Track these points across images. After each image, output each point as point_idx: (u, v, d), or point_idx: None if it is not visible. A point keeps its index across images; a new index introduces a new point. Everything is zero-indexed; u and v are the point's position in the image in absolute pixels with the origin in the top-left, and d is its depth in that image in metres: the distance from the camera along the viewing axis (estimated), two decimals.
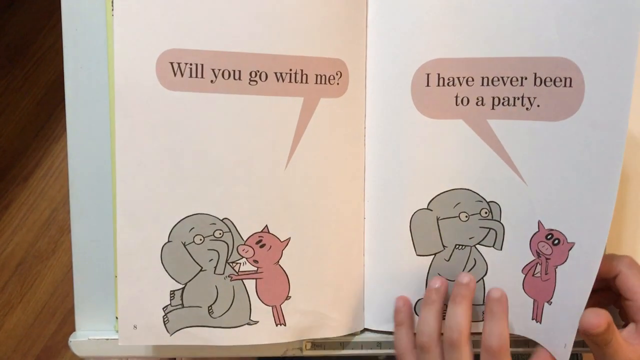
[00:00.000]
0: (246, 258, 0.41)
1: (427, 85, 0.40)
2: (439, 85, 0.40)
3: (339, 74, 0.40)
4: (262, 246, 0.41)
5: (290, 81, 0.40)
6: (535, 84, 0.39)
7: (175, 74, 0.38)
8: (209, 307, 0.41)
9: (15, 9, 1.18)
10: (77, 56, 0.42)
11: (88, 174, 0.43)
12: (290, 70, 0.39)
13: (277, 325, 0.42)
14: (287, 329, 0.42)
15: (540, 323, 0.40)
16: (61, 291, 1.16)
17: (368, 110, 0.42)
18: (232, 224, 0.40)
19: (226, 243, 0.40)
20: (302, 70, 0.40)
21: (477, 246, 0.42)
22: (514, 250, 0.41)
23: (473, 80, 0.40)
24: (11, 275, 1.16)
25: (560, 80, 0.37)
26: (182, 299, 0.40)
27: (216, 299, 0.41)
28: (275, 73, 0.39)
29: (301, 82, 0.40)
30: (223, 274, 0.41)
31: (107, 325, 0.44)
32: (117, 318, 0.43)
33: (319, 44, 0.40)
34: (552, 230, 0.39)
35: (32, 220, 1.16)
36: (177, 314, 0.40)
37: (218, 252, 0.40)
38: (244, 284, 0.41)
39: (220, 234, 0.40)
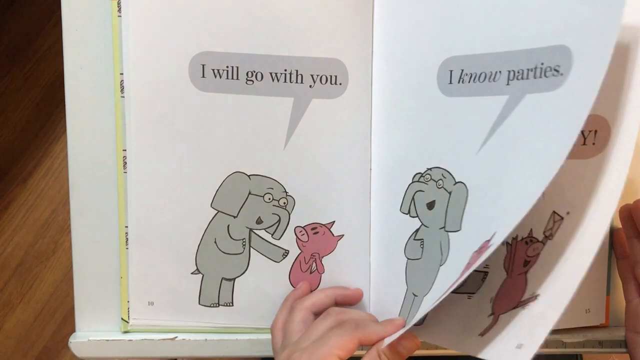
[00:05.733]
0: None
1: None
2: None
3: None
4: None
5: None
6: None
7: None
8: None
9: (15, 9, 1.18)
10: (77, 57, 0.42)
11: (88, 174, 0.43)
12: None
13: None
14: None
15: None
16: (61, 291, 1.16)
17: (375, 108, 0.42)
18: None
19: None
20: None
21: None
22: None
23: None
24: (11, 276, 1.16)
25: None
26: None
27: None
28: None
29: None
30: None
31: (107, 326, 0.44)
32: (122, 319, 0.43)
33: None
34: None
35: (32, 220, 1.16)
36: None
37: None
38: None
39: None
